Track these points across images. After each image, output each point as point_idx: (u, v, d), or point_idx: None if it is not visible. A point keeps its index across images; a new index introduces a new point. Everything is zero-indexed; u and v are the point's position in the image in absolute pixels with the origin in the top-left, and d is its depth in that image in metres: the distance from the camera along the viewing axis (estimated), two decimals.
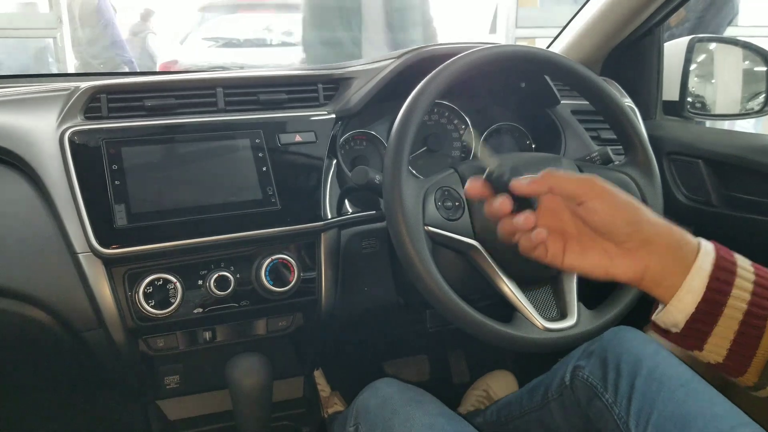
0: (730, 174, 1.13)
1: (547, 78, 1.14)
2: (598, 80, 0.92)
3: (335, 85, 1.06)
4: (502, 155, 0.92)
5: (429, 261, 0.77)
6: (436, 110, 1.18)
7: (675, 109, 1.37)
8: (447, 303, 0.78)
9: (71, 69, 4.39)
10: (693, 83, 1.40)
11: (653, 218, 0.61)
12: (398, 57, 1.04)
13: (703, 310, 0.57)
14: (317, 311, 0.97)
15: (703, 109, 1.45)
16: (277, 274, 0.91)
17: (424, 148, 1.15)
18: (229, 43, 5.08)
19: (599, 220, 0.61)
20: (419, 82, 0.84)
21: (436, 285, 0.77)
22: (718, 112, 1.48)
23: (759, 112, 1.42)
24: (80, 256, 0.82)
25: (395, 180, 0.79)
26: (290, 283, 0.92)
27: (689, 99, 1.38)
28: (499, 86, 1.16)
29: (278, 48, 5.15)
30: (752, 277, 0.58)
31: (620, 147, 1.15)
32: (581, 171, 0.91)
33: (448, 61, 0.85)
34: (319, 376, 1.31)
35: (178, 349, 0.94)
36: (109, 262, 0.83)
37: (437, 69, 0.84)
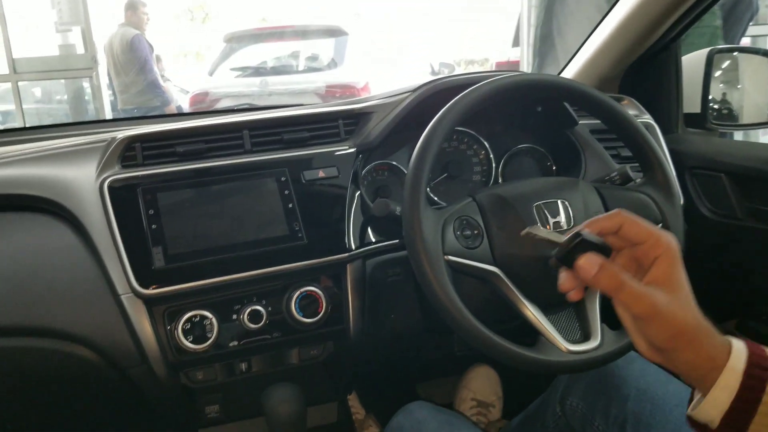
0: (755, 187, 1.13)
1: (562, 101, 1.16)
2: (611, 102, 0.94)
3: (355, 119, 1.10)
4: (517, 181, 0.94)
5: (450, 290, 0.80)
6: (455, 137, 1.21)
7: (697, 121, 1.38)
8: (471, 330, 0.80)
9: (107, 105, 4.57)
10: (716, 94, 1.41)
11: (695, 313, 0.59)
12: (414, 90, 1.07)
13: (738, 408, 0.56)
14: (347, 339, 1.00)
15: (728, 119, 1.45)
16: (307, 305, 0.95)
17: (445, 175, 1.18)
18: (257, 72, 5.21)
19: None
20: (436, 112, 0.88)
21: (459, 313, 0.80)
22: (745, 121, 1.47)
23: None
24: (123, 297, 0.88)
25: (414, 212, 0.83)
26: (319, 314, 0.95)
27: (712, 110, 1.38)
28: (515, 111, 1.18)
29: (305, 74, 5.26)
30: None
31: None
32: (600, 193, 0.92)
33: (460, 96, 0.88)
34: (353, 399, 1.35)
35: (217, 381, 0.98)
36: (149, 302, 0.89)
37: (450, 104, 0.88)
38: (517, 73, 0.93)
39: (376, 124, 1.07)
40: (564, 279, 0.63)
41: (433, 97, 1.05)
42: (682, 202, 0.98)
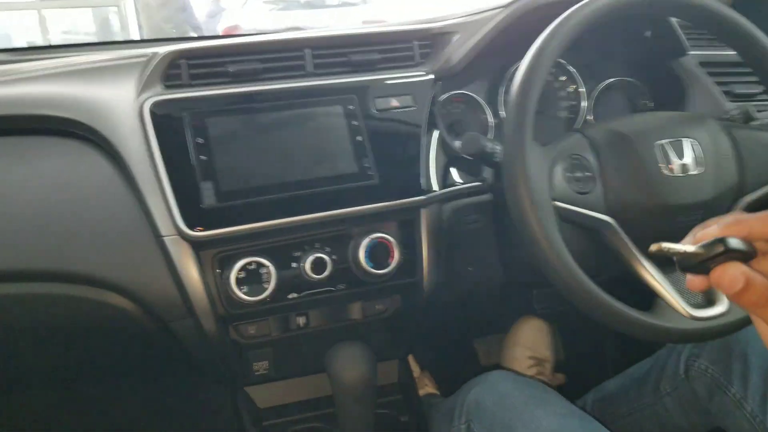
0: None
1: (673, 24, 0.99)
2: (746, 22, 0.77)
3: (431, 41, 0.94)
4: (635, 115, 0.79)
5: (560, 243, 0.67)
6: None
7: None
8: (582, 292, 0.67)
9: (137, 37, 4.40)
10: None
11: None
12: (507, 6, 0.91)
13: None
14: (418, 294, 0.88)
15: None
16: (377, 254, 0.82)
17: None
18: (289, 5, 4.98)
19: None
20: (529, 36, 0.73)
21: (569, 272, 0.66)
22: None
23: None
24: (166, 239, 0.75)
25: (518, 150, 0.68)
26: (390, 264, 0.82)
27: None
28: (615, 36, 1.01)
29: (339, 8, 5.02)
30: None
31: (759, 102, 1.00)
32: (730, 132, 0.77)
33: (573, 10, 0.72)
34: (410, 358, 1.24)
35: (270, 336, 0.87)
36: (197, 246, 0.76)
37: (559, 20, 0.72)
38: None
39: (459, 47, 0.91)
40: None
41: (530, 14, 0.89)
42: None
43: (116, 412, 1.12)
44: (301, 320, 0.88)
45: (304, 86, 0.86)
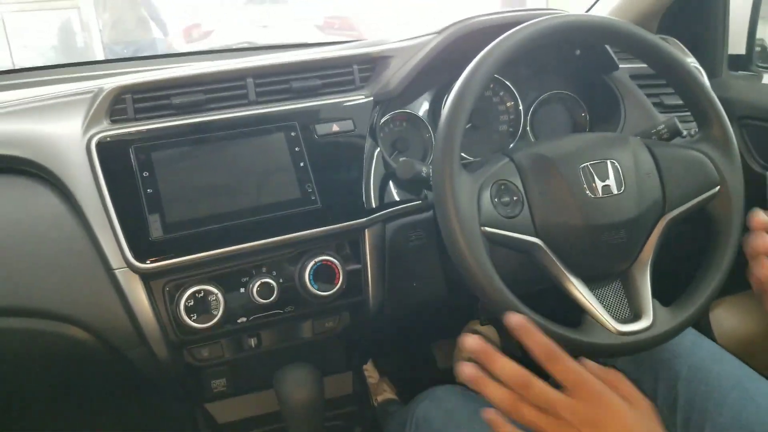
0: None
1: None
2: (665, 47, 0.82)
3: (371, 65, 0.98)
4: (558, 138, 0.83)
5: (489, 268, 0.71)
6: None
7: (741, 63, 1.25)
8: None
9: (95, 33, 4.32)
10: (763, 33, 1.27)
11: None
12: (440, 32, 0.94)
13: None
14: (365, 311, 0.92)
15: None
16: (322, 277, 0.86)
17: (469, 125, 1.07)
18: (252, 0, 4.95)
19: None
20: (465, 58, 0.76)
21: (500, 295, 0.71)
22: None
23: None
24: (117, 272, 0.78)
25: (447, 177, 0.72)
26: (336, 285, 0.86)
27: (759, 51, 1.26)
28: (549, 53, 1.06)
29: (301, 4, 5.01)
30: None
31: (686, 113, 1.06)
32: (651, 151, 0.82)
33: (502, 39, 0.76)
34: (367, 366, 1.28)
35: (224, 358, 0.90)
36: (147, 277, 0.79)
37: (488, 48, 0.76)
38: (568, 14, 0.80)
39: (397, 71, 0.95)
40: None
41: (463, 39, 0.92)
42: None
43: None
44: (253, 341, 0.91)
45: (247, 115, 0.88)
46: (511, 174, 0.78)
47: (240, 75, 0.91)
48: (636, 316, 0.75)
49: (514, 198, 0.76)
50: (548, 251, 0.75)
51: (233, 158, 0.86)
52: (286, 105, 0.91)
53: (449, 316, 1.27)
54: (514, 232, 0.74)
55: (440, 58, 0.93)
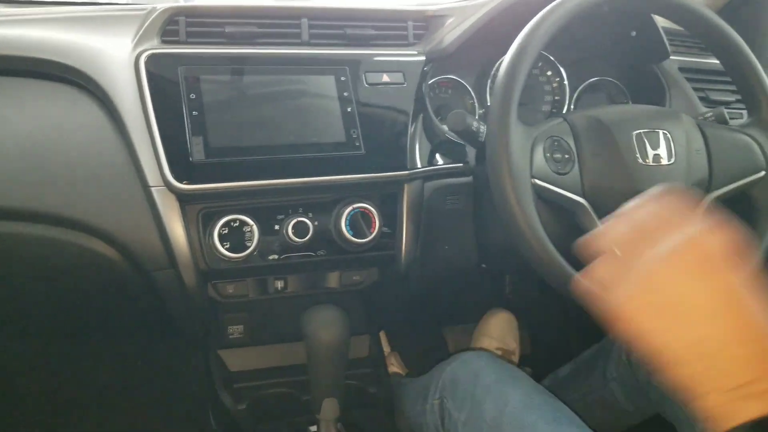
0: None
1: (658, 26, 1.03)
2: (726, 26, 0.81)
3: (426, 22, 0.97)
4: (615, 105, 0.83)
5: (535, 218, 0.69)
6: None
7: None
8: (551, 266, 0.70)
9: None
10: None
11: None
12: None
13: None
14: (395, 267, 0.90)
15: None
16: (358, 224, 0.84)
17: None
18: None
19: None
20: (520, 27, 0.75)
21: (541, 244, 0.69)
22: None
23: None
24: (153, 190, 0.76)
25: (503, 126, 0.71)
26: (371, 234, 0.84)
27: None
28: (602, 35, 1.05)
29: None
30: None
31: (731, 110, 1.05)
32: (702, 129, 0.81)
33: (560, 1, 0.75)
34: (381, 334, 1.26)
35: (248, 297, 0.88)
36: (183, 199, 0.77)
37: (546, 9, 0.75)
38: None
39: (451, 31, 0.94)
40: None
41: (522, 4, 0.91)
42: None
43: (86, 372, 1.12)
44: (279, 284, 0.89)
45: (299, 54, 0.87)
46: (565, 132, 0.77)
47: (296, 14, 0.90)
48: None
49: (566, 156, 0.75)
50: (592, 213, 0.74)
51: (281, 94, 0.84)
52: (338, 49, 0.90)
53: (472, 296, 1.26)
54: (563, 189, 0.73)
55: (497, 22, 0.92)
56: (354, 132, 0.85)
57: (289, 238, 0.81)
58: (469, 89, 1.02)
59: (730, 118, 0.97)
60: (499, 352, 1.36)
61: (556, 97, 1.09)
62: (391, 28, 0.94)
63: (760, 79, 0.81)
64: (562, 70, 1.07)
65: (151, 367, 1.11)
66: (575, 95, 1.09)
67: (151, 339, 1.06)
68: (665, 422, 0.85)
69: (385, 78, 0.89)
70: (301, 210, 0.83)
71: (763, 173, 0.80)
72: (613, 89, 1.12)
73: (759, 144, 0.81)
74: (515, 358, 1.40)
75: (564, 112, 1.08)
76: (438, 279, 0.98)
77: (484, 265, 0.97)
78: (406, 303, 1.14)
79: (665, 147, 0.77)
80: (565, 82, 1.07)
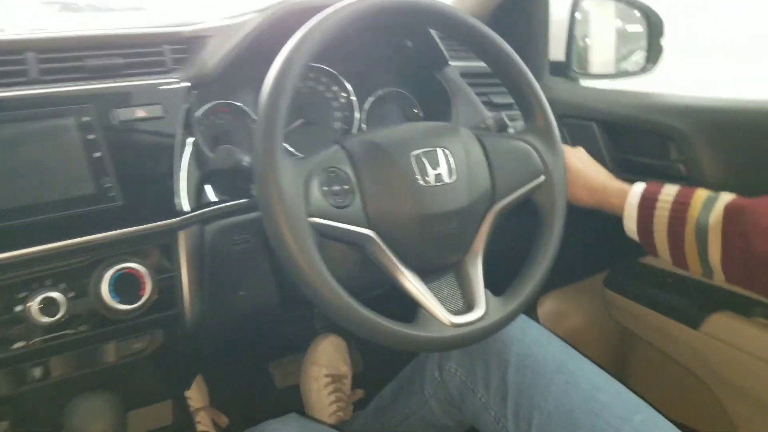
0: (624, 136, 1.09)
1: (434, 36, 1.01)
2: (495, 36, 0.81)
3: (186, 45, 0.86)
4: (390, 127, 0.79)
5: (318, 261, 0.63)
6: (311, 75, 1.01)
7: (561, 69, 1.31)
8: (343, 310, 0.64)
9: None
10: (580, 41, 1.35)
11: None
12: (262, 10, 0.85)
13: (642, 229, 0.83)
14: (181, 327, 0.79)
15: (589, 67, 1.40)
16: (125, 288, 0.72)
17: (300, 121, 0.99)
18: (68, 6, 4.52)
19: None
20: (289, 36, 0.68)
21: (330, 290, 0.63)
22: (595, 72, 1.43)
23: (636, 72, 1.38)
24: None
25: (269, 162, 0.63)
26: (142, 297, 0.73)
27: (576, 58, 1.32)
28: (381, 46, 1.02)
29: (127, 12, 4.67)
30: (671, 198, 0.80)
31: (513, 112, 1.07)
32: (480, 140, 0.80)
33: (324, 13, 0.69)
34: (190, 391, 1.13)
35: (1, 392, 0.72)
36: None
37: (311, 22, 0.69)
38: None
39: (215, 52, 0.84)
40: None
41: (285, 19, 0.84)
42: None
43: None
44: (38, 371, 0.74)
45: (26, 95, 0.73)
46: (341, 162, 0.70)
47: (17, 48, 0.75)
48: (469, 307, 0.72)
49: (345, 187, 0.69)
50: (381, 243, 0.69)
51: (11, 145, 0.70)
52: (77, 85, 0.76)
53: (286, 331, 1.17)
54: (346, 223, 0.67)
55: (264, 41, 0.84)
56: (106, 181, 0.73)
57: (35, 319, 0.67)
58: (249, 112, 0.93)
59: (513, 120, 0.98)
60: (329, 379, 1.30)
61: (346, 113, 1.04)
62: (144, 55, 0.83)
63: (530, 85, 0.82)
64: (347, 84, 1.02)
65: None
66: (365, 109, 1.04)
67: None
68: None
69: (140, 113, 0.78)
70: (49, 282, 0.69)
71: (543, 178, 0.81)
72: (404, 100, 1.09)
73: (536, 149, 0.81)
74: (347, 382, 1.35)
75: (356, 127, 1.03)
76: (236, 327, 0.88)
77: (286, 302, 0.90)
78: (211, 354, 1.03)
79: (445, 165, 0.73)
80: (353, 97, 1.03)
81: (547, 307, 1.32)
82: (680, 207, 0.79)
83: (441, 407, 0.91)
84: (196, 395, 1.17)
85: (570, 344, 0.85)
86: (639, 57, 1.36)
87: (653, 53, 1.28)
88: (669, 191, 0.81)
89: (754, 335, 0.92)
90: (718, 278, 0.78)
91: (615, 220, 1.12)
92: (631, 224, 0.84)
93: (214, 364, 1.22)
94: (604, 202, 0.88)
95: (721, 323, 0.97)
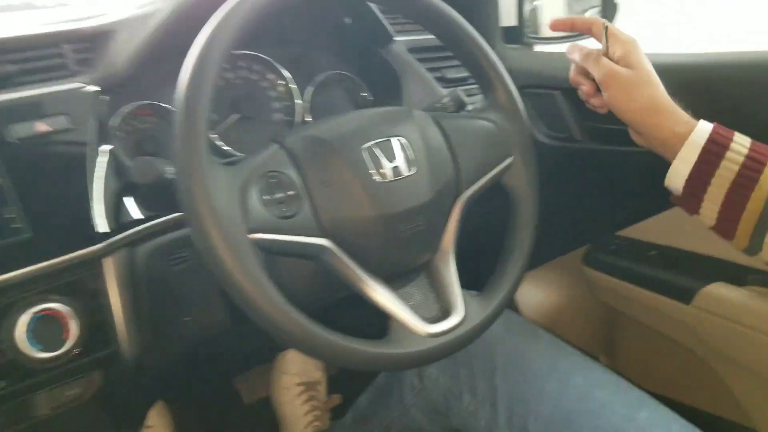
0: None
1: (374, 10, 0.92)
2: (442, 4, 0.72)
3: (89, 44, 0.75)
4: (335, 117, 0.69)
5: (266, 285, 0.54)
6: (242, 64, 0.91)
7: (513, 35, 1.22)
8: (303, 337, 0.55)
9: None
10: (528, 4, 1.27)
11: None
12: None
13: (696, 179, 0.63)
14: (120, 365, 0.69)
15: (536, 32, 1.33)
16: (45, 332, 0.62)
17: (236, 116, 0.89)
18: None
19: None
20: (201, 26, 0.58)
21: (284, 316, 0.54)
22: (548, 35, 1.36)
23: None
24: None
25: (193, 172, 0.53)
26: (66, 341, 0.63)
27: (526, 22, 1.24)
28: (318, 26, 0.92)
29: (53, 9, 4.41)
30: (745, 151, 0.62)
31: (469, 86, 0.99)
32: (438, 123, 0.71)
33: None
34: (153, 414, 1.04)
35: None
36: None
37: (229, 3, 0.59)
38: None
39: (123, 48, 0.73)
40: None
41: (201, 3, 0.74)
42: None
43: None
44: None
45: None
46: (282, 164, 0.61)
47: None
48: (445, 313, 0.64)
49: (290, 193, 0.59)
50: (339, 252, 0.60)
51: None
52: None
53: (248, 342, 1.08)
54: (295, 234, 0.58)
55: (177, 31, 0.74)
56: (9, 210, 0.62)
57: None
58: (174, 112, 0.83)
59: (471, 96, 0.90)
60: (302, 388, 1.22)
61: (286, 103, 0.94)
62: (41, 58, 0.71)
63: (487, 56, 0.73)
64: (283, 71, 0.92)
65: None
66: (307, 97, 0.95)
67: None
68: None
69: (42, 127, 0.67)
70: None
71: (511, 158, 0.73)
72: (349, 83, 1.00)
73: (499, 126, 0.73)
74: (322, 388, 1.28)
75: (300, 117, 0.94)
76: (187, 352, 0.79)
77: (239, 320, 0.81)
78: (170, 379, 0.94)
79: (402, 155, 0.64)
80: (292, 85, 0.93)
81: (524, 291, 1.25)
82: (754, 165, 0.61)
83: (425, 416, 0.84)
84: (158, 423, 1.07)
85: (555, 334, 0.78)
86: (594, 14, 1.29)
87: (609, 10, 1.21)
88: (742, 141, 0.63)
89: (751, 305, 0.86)
90: (767, 257, 0.64)
91: (595, 187, 1.05)
92: (683, 168, 0.64)
93: (174, 388, 1.12)
94: (663, 128, 0.65)
95: (714, 295, 0.91)
